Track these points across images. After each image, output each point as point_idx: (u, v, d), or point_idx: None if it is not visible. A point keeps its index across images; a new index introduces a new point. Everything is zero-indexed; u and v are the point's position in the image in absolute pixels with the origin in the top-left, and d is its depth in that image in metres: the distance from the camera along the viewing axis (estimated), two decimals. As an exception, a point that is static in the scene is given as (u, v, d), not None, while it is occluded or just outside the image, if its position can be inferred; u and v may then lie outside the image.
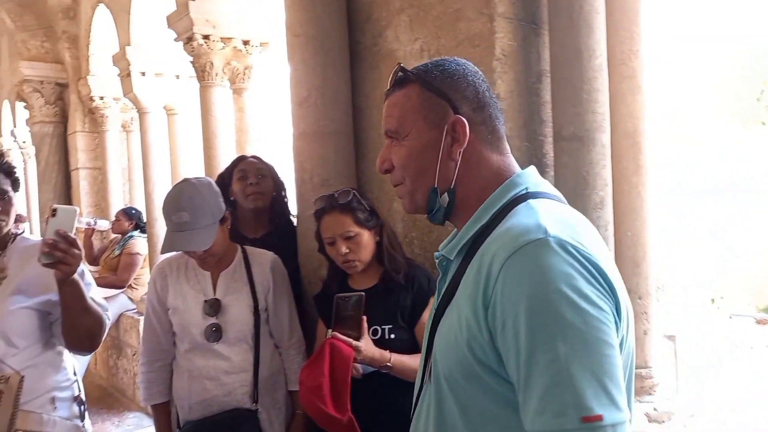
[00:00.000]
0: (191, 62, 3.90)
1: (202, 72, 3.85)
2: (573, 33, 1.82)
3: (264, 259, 2.06)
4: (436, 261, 0.99)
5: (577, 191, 1.84)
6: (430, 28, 2.10)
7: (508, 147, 0.95)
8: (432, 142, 0.90)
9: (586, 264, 0.75)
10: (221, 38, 3.79)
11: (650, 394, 1.99)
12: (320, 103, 2.21)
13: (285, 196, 2.46)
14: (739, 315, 5.73)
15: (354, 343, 1.64)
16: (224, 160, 3.70)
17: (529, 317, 0.72)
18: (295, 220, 2.43)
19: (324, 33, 2.24)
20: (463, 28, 1.99)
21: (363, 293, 1.72)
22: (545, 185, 0.93)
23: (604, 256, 0.80)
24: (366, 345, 1.67)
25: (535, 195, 0.88)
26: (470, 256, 0.87)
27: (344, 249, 1.79)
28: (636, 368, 2.00)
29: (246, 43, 3.91)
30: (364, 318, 1.70)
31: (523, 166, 0.96)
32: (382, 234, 1.86)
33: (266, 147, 4.45)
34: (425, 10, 2.11)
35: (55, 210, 1.60)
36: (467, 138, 0.89)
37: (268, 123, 4.66)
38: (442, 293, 0.93)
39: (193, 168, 4.54)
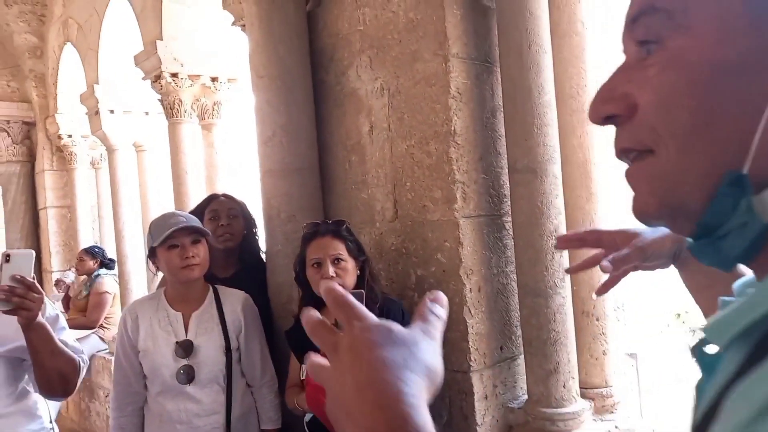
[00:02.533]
0: (159, 100, 3.95)
1: (170, 109, 3.89)
2: (523, 72, 1.93)
3: (235, 298, 2.09)
4: (691, 351, 0.45)
5: (532, 220, 1.93)
6: (389, 68, 2.20)
7: None
8: (755, 57, 0.38)
9: None
10: (189, 76, 3.85)
11: (611, 412, 2.06)
12: (285, 141, 2.28)
13: (255, 233, 2.50)
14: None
15: None
16: (194, 196, 3.73)
17: None
18: (264, 256, 2.47)
19: (287, 73, 2.32)
20: (420, 68, 2.09)
21: (363, 291, 1.71)
22: None
23: None
24: None
25: None
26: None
27: (331, 271, 1.83)
28: (596, 388, 2.09)
29: (214, 79, 3.98)
30: None
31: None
32: (364, 268, 1.92)
33: (237, 181, 4.49)
34: (384, 51, 2.21)
35: (8, 256, 1.59)
36: None
37: (239, 157, 4.71)
38: (702, 412, 0.42)
39: (164, 205, 4.54)
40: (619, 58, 0.47)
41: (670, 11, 0.41)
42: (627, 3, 0.46)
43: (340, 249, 1.87)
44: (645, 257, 0.80)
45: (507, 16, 1.95)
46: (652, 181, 0.43)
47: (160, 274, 2.23)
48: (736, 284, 0.47)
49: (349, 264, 1.87)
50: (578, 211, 2.12)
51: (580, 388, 2.02)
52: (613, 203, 2.44)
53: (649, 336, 2.79)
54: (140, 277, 4.61)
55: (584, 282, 2.11)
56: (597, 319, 2.11)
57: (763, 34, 0.38)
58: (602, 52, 2.28)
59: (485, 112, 2.10)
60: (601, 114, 0.45)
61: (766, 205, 0.38)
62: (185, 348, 1.96)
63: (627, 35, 0.45)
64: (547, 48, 1.97)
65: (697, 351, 0.44)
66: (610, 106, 0.45)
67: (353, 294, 1.66)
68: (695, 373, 0.44)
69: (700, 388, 0.45)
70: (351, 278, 1.87)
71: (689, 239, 0.44)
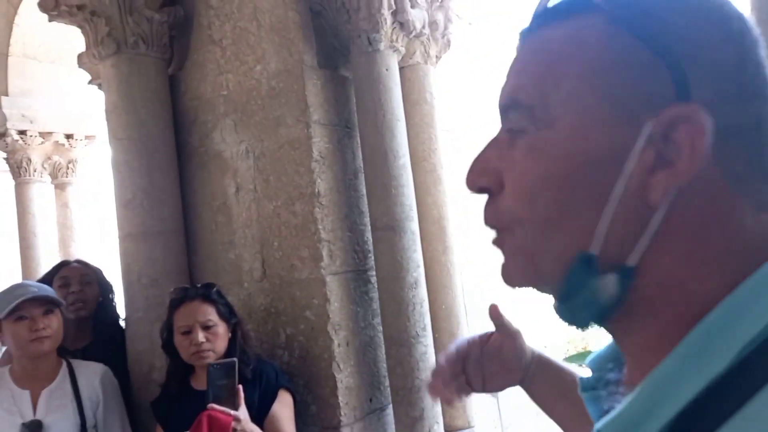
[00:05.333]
0: (5, 158, 3.67)
1: (18, 168, 3.63)
2: (378, 138, 2.09)
3: (92, 371, 1.98)
4: None
5: (393, 274, 2.05)
6: (254, 131, 2.26)
7: None
8: (607, 152, 0.41)
9: None
10: (40, 133, 3.64)
11: (475, 452, 2.19)
12: (146, 204, 2.23)
13: (112, 300, 2.39)
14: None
15: (233, 412, 1.62)
16: (45, 261, 3.46)
17: None
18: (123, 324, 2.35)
19: (148, 136, 2.29)
20: (283, 133, 2.18)
21: (235, 359, 1.72)
22: None
23: None
24: (244, 415, 1.65)
25: None
26: None
27: (201, 337, 1.79)
28: (460, 429, 2.22)
29: (69, 137, 3.79)
30: (240, 387, 1.69)
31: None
32: (236, 330, 1.90)
33: (98, 242, 4.23)
34: (248, 116, 2.28)
35: None
36: (699, 160, 0.38)
37: (101, 216, 4.45)
38: None
39: (12, 270, 4.15)
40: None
41: (531, 108, 0.43)
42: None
43: (210, 314, 1.84)
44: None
45: (362, 87, 2.12)
46: (514, 254, 0.46)
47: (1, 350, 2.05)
48: (590, 359, 0.52)
49: (220, 328, 1.85)
50: (436, 264, 2.29)
51: (445, 431, 2.14)
52: (465, 253, 2.65)
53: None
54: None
55: (445, 330, 2.27)
56: (457, 364, 2.26)
57: (615, 129, 0.40)
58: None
59: (348, 174, 2.22)
60: (476, 185, 0.47)
61: (606, 287, 0.41)
62: (32, 429, 1.80)
63: (500, 117, 0.48)
64: (400, 116, 2.15)
65: None
66: (485, 179, 0.47)
67: (224, 364, 1.66)
68: None
69: None
70: (222, 343, 1.85)
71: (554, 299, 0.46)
